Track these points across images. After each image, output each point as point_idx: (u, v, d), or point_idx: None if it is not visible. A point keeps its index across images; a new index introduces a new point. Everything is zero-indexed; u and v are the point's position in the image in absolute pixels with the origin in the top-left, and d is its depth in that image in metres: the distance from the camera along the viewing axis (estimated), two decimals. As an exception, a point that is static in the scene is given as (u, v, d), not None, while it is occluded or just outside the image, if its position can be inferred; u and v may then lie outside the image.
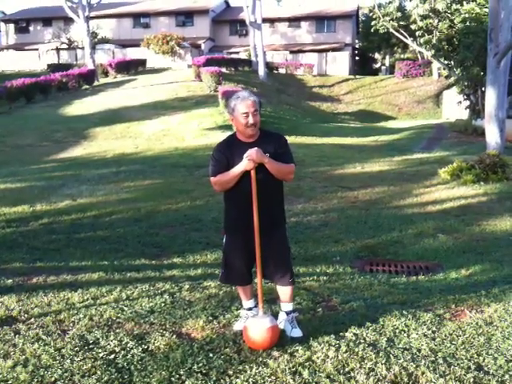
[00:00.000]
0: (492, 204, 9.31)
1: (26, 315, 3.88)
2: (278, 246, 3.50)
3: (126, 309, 4.01)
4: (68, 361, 3.17)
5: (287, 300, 3.60)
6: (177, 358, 3.19)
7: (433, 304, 4.20)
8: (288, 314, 3.59)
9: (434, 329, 3.64)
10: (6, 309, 3.99)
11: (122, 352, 3.29)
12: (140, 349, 3.33)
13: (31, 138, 19.79)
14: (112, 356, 3.24)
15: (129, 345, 3.38)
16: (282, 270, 3.51)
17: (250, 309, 3.67)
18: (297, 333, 3.49)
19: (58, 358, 3.21)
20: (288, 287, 3.56)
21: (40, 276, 4.96)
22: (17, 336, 3.50)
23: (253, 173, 3.30)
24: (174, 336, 3.50)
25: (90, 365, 3.12)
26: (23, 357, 3.21)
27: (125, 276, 5.15)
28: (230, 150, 3.41)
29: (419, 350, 3.32)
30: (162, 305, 4.10)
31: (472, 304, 4.17)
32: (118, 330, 3.60)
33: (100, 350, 3.30)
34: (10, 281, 4.76)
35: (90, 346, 3.36)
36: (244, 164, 3.30)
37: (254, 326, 3.32)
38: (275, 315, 3.63)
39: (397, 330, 3.61)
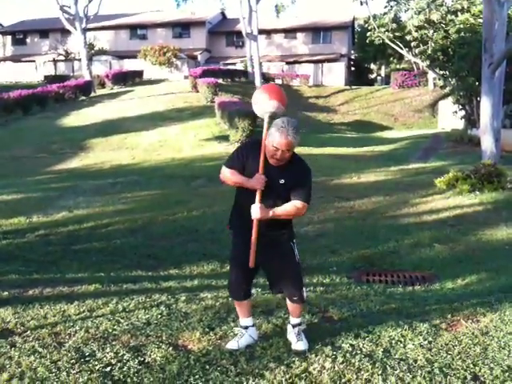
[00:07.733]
0: (488, 213, 9.34)
1: (21, 327, 3.86)
2: (286, 261, 3.48)
3: (122, 321, 3.99)
4: (64, 373, 3.16)
5: (295, 315, 3.59)
6: (173, 371, 3.18)
7: (429, 314, 4.20)
8: (294, 326, 3.56)
9: (430, 339, 3.64)
10: (1, 321, 3.97)
11: (119, 364, 3.28)
12: (136, 361, 3.32)
13: (28, 149, 19.80)
14: (108, 368, 3.23)
15: (125, 357, 3.37)
16: (290, 287, 3.49)
17: (246, 327, 3.58)
18: (300, 346, 3.44)
19: (54, 370, 3.20)
20: (296, 305, 3.54)
21: (36, 288, 4.94)
22: (13, 349, 3.49)
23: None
24: (171, 348, 3.49)
25: (86, 377, 3.11)
26: (19, 369, 3.20)
27: (121, 288, 5.13)
28: (252, 153, 3.40)
29: (415, 361, 3.32)
30: (159, 317, 4.09)
31: (468, 314, 4.18)
32: (114, 343, 3.59)
33: (96, 363, 3.29)
34: (5, 293, 4.75)
35: (87, 359, 3.35)
36: (252, 183, 3.32)
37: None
38: (272, 327, 3.62)
39: (393, 341, 3.61)
